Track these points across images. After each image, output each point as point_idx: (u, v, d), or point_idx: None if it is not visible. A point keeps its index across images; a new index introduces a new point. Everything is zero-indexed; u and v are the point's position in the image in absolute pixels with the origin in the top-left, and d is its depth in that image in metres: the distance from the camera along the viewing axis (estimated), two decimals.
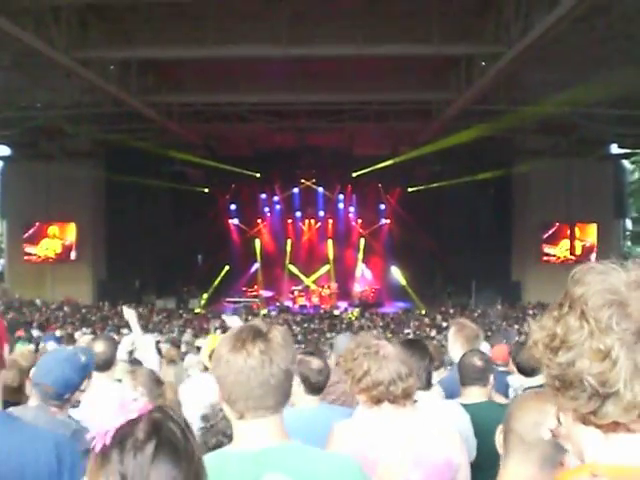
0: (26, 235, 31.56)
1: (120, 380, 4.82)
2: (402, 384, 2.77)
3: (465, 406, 3.97)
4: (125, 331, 17.05)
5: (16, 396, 4.05)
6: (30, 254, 31.70)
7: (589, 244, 31.04)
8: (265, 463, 1.90)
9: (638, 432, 1.18)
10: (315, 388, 3.88)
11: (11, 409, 3.00)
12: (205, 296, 33.08)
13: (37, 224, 31.43)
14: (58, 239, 31.68)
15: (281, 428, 2.02)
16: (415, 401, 2.87)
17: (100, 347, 4.66)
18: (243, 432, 1.99)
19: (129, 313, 6.34)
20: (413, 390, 2.83)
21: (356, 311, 30.64)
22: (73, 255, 31.60)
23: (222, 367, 1.95)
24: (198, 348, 9.43)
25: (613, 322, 1.16)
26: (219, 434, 2.87)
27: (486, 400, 4.19)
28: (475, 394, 4.16)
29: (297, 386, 3.86)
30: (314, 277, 35.24)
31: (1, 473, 1.93)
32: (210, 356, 4.96)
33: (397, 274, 34.17)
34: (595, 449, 1.22)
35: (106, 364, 4.65)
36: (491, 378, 4.25)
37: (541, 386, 3.02)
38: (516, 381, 5.34)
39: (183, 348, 11.16)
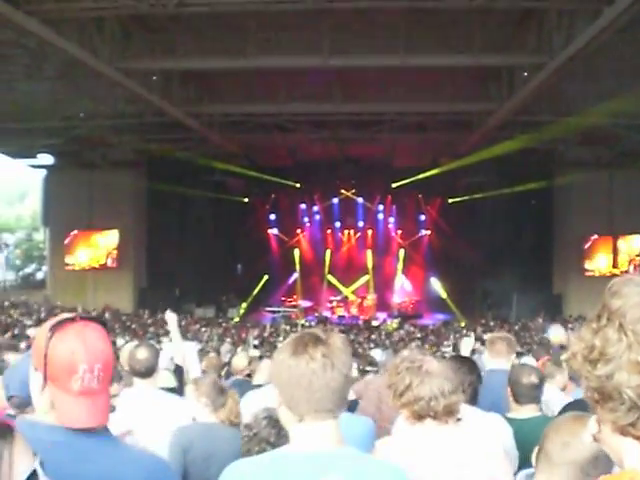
0: (68, 243, 31.92)
1: (165, 388, 4.87)
2: (444, 400, 2.74)
3: (520, 421, 3.93)
4: (165, 339, 17.18)
5: None
6: (72, 262, 32.04)
7: (632, 257, 30.58)
8: (323, 466, 1.94)
9: None
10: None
11: None
12: (244, 305, 33.19)
13: (79, 232, 31.77)
14: (100, 247, 31.98)
15: (338, 432, 2.05)
16: (459, 419, 2.83)
17: (143, 354, 4.64)
18: (302, 434, 2.02)
19: (171, 318, 6.36)
20: (456, 407, 2.79)
21: (395, 322, 30.53)
22: (114, 263, 31.88)
23: (284, 371, 2.00)
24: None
25: None
26: (262, 442, 2.89)
27: (539, 414, 4.13)
28: (529, 411, 4.10)
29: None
30: (353, 288, 35.20)
31: None
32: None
33: (437, 285, 33.99)
34: (634, 458, 1.21)
35: (148, 371, 4.65)
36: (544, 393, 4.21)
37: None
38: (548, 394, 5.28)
39: (223, 358, 11.19)
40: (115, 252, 31.71)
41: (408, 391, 2.80)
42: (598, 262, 30.74)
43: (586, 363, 1.23)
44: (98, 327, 1.99)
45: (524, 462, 3.64)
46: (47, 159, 31.16)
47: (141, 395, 4.60)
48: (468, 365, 3.92)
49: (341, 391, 2.03)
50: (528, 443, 3.68)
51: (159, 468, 2.13)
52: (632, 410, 1.16)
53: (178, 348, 6.38)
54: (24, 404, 2.39)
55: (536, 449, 2.31)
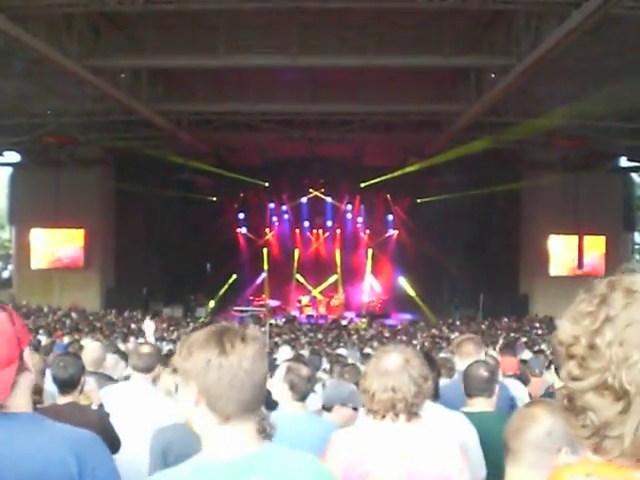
0: (34, 242, 31.61)
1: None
2: (401, 397, 2.77)
3: (469, 415, 3.96)
4: (132, 339, 17.07)
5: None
6: (38, 261, 31.73)
7: (597, 257, 30.94)
8: (245, 469, 1.88)
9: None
10: (302, 395, 4.10)
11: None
12: (212, 304, 33.06)
13: (45, 230, 31.46)
14: (66, 246, 31.70)
15: (255, 430, 1.99)
16: (417, 415, 2.84)
17: (145, 350, 5.07)
18: (224, 436, 1.93)
19: (148, 325, 6.60)
20: (415, 404, 2.80)
21: (364, 321, 30.59)
22: (81, 262, 31.63)
23: (212, 370, 1.88)
24: None
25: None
26: None
27: (491, 410, 4.17)
28: (481, 404, 4.13)
29: (285, 392, 4.07)
30: (321, 288, 35.21)
31: (26, 476, 1.95)
32: None
33: (405, 284, 34.12)
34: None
35: (148, 368, 4.96)
36: (496, 389, 4.24)
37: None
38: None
39: None
40: (82, 251, 31.46)
41: (368, 387, 2.84)
42: (564, 263, 31.06)
43: (567, 359, 1.15)
44: None
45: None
46: (13, 157, 30.84)
47: (137, 389, 4.87)
48: (427, 361, 3.97)
49: (264, 388, 2.00)
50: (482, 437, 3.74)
51: (85, 439, 2.14)
52: (594, 435, 1.10)
53: None
54: None
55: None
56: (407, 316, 32.47)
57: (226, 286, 33.58)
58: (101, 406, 4.49)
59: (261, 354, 1.96)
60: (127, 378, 5.69)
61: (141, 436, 4.13)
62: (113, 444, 3.91)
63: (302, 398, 4.10)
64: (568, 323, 1.16)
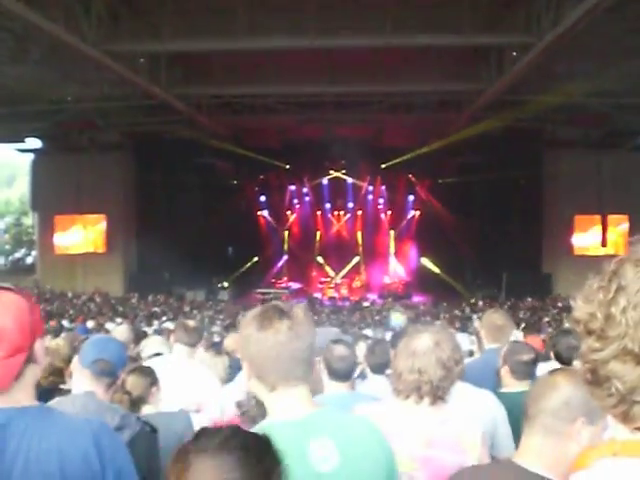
0: (57, 227, 31.84)
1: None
2: (427, 380, 2.76)
3: (507, 394, 3.97)
4: (155, 322, 17.21)
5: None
6: (61, 246, 31.97)
7: (621, 236, 30.70)
8: (308, 429, 2.06)
9: None
10: (338, 375, 3.93)
11: (62, 399, 3.05)
12: (227, 282, 33.12)
13: (68, 216, 31.67)
14: (89, 231, 31.91)
15: (310, 396, 2.20)
16: (442, 400, 2.83)
17: (192, 324, 5.35)
18: (276, 402, 2.14)
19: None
20: (442, 389, 2.79)
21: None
22: (104, 247, 31.83)
23: (252, 345, 2.11)
24: None
25: None
26: (250, 421, 2.89)
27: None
28: (523, 385, 4.11)
29: (322, 372, 3.96)
30: (343, 273, 35.18)
31: (43, 472, 1.95)
32: None
33: (428, 264, 33.94)
34: (621, 434, 1.16)
35: (192, 343, 5.20)
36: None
37: None
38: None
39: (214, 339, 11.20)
40: (104, 236, 31.66)
41: (396, 366, 2.87)
42: (587, 241, 30.86)
43: (586, 335, 1.16)
44: (11, 297, 2.00)
45: (516, 433, 3.70)
46: (35, 143, 31.03)
47: (181, 362, 5.09)
48: None
49: (307, 359, 2.17)
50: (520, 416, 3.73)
51: (99, 427, 2.14)
52: (621, 402, 1.11)
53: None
54: None
55: None
56: (429, 297, 32.37)
57: (244, 267, 33.63)
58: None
59: (298, 328, 2.12)
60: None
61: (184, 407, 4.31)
62: None
63: (339, 378, 3.93)
64: (582, 302, 1.18)
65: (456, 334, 8.56)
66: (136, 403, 3.85)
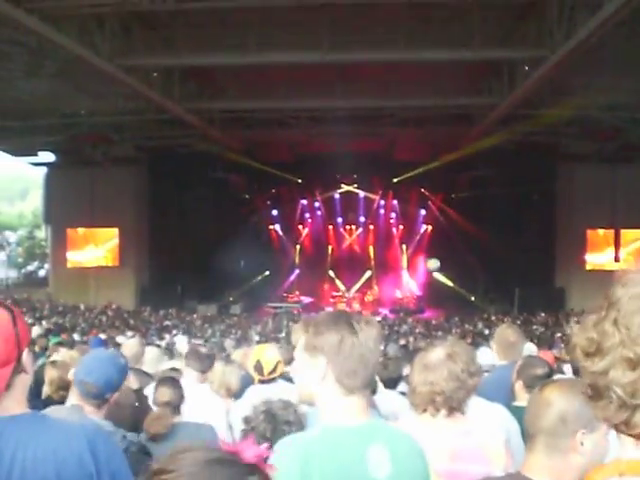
0: (70, 240, 31.96)
1: None
2: (440, 392, 2.77)
3: (521, 408, 3.93)
4: (167, 336, 17.21)
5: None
6: (73, 260, 32.08)
7: (635, 250, 30.55)
8: (367, 436, 2.10)
9: None
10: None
11: (47, 409, 3.04)
12: (237, 294, 33.18)
13: (81, 230, 31.80)
14: (101, 245, 32.02)
15: (368, 404, 2.25)
16: (459, 410, 2.82)
17: (203, 351, 5.58)
18: (347, 407, 2.15)
19: (180, 340, 6.82)
20: (457, 400, 2.80)
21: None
22: (116, 261, 31.92)
23: (346, 346, 2.11)
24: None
25: None
26: (258, 437, 2.87)
27: None
28: None
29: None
30: (355, 288, 35.12)
31: (40, 477, 1.94)
32: (255, 367, 4.99)
33: (441, 278, 33.87)
34: (628, 453, 1.19)
35: (203, 370, 5.38)
36: None
37: None
38: None
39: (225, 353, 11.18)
40: (117, 249, 31.75)
41: (411, 380, 2.90)
42: (600, 256, 30.72)
43: (584, 357, 1.21)
44: None
45: None
46: (48, 157, 31.23)
47: (190, 386, 5.03)
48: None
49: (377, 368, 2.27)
50: None
51: (94, 432, 2.14)
52: (622, 408, 1.14)
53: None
54: None
55: None
56: (441, 312, 32.28)
57: (256, 281, 33.66)
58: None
59: (379, 337, 2.22)
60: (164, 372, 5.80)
61: None
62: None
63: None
64: (580, 332, 1.24)
65: (481, 348, 8.55)
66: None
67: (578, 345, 1.22)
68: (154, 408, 4.28)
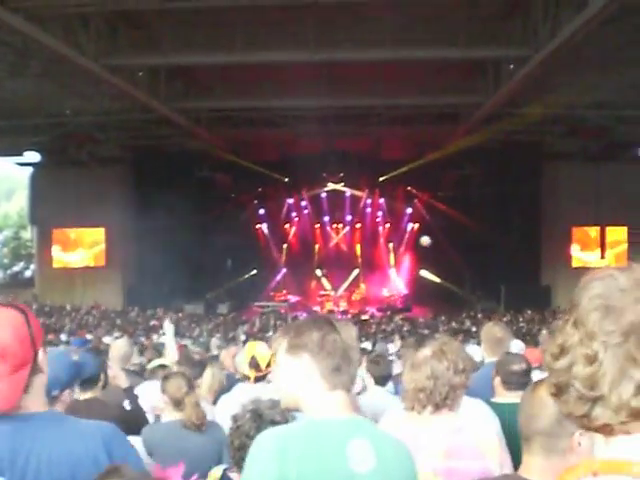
0: (55, 241, 31.83)
1: None
2: (425, 389, 2.79)
3: (505, 405, 3.95)
4: (154, 336, 17.18)
5: None
6: (60, 260, 31.96)
7: (620, 248, 30.71)
8: (348, 430, 2.13)
9: (634, 432, 1.17)
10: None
11: None
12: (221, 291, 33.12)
13: (66, 230, 31.68)
14: (87, 245, 31.92)
15: (350, 401, 2.30)
16: (446, 407, 2.84)
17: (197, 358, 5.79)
18: (329, 402, 2.19)
19: (168, 327, 6.71)
20: (442, 397, 2.82)
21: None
22: (103, 261, 31.81)
23: (328, 345, 2.18)
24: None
25: (597, 327, 1.18)
26: (243, 435, 2.91)
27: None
28: (515, 396, 4.10)
29: None
30: (342, 288, 35.08)
31: (55, 476, 1.95)
32: (250, 363, 5.00)
33: (428, 275, 33.86)
34: (599, 452, 1.23)
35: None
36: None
37: None
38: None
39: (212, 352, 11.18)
40: (103, 250, 31.64)
41: (402, 380, 2.98)
42: (586, 254, 30.87)
43: (552, 360, 1.26)
44: (6, 313, 2.00)
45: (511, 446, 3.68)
46: (34, 157, 31.02)
47: None
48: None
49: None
50: (513, 427, 3.72)
51: (109, 432, 2.15)
52: (581, 400, 1.19)
53: (173, 354, 6.53)
54: None
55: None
56: (428, 310, 32.32)
57: (243, 280, 33.57)
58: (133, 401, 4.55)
59: (357, 337, 2.31)
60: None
61: None
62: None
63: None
64: (550, 340, 1.30)
65: (468, 345, 8.58)
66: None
67: (548, 351, 1.28)
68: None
